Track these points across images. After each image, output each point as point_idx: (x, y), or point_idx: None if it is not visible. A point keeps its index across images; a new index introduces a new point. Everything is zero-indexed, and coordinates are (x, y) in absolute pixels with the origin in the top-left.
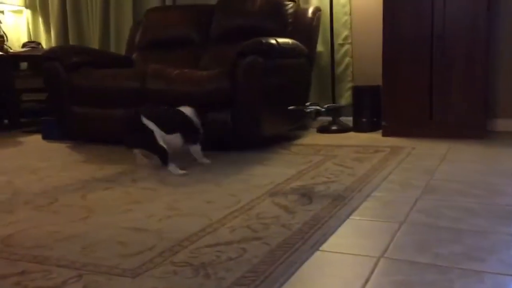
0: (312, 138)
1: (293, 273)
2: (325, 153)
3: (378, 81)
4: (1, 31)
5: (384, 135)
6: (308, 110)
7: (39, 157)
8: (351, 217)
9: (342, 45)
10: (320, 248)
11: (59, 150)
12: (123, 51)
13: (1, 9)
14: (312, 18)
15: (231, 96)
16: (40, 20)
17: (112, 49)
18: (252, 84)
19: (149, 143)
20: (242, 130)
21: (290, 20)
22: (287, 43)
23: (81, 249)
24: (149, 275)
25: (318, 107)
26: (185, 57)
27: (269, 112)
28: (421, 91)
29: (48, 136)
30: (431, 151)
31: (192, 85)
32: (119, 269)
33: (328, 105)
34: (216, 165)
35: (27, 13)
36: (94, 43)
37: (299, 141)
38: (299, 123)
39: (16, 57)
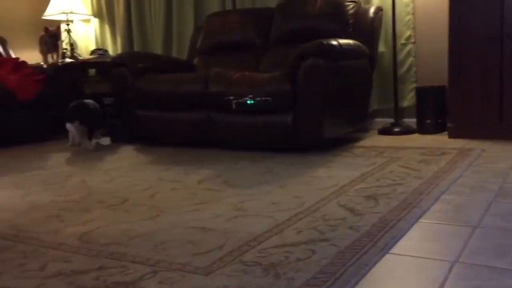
0: (374, 140)
1: (363, 276)
2: (389, 155)
3: (443, 81)
4: (72, 39)
5: (450, 136)
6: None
7: (108, 158)
8: (420, 220)
9: (404, 45)
10: (390, 251)
11: (126, 152)
12: (184, 56)
13: (71, 19)
14: (373, 18)
15: (292, 98)
16: (107, 28)
17: (174, 54)
18: (313, 86)
19: None
20: (303, 132)
21: (351, 21)
22: (349, 44)
23: (154, 247)
24: (221, 273)
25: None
26: (245, 61)
27: (330, 114)
28: (490, 92)
29: (115, 138)
30: (502, 153)
31: (252, 87)
32: (191, 266)
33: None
34: (279, 167)
35: (95, 22)
36: (157, 49)
37: (360, 143)
38: (360, 125)
39: (85, 64)
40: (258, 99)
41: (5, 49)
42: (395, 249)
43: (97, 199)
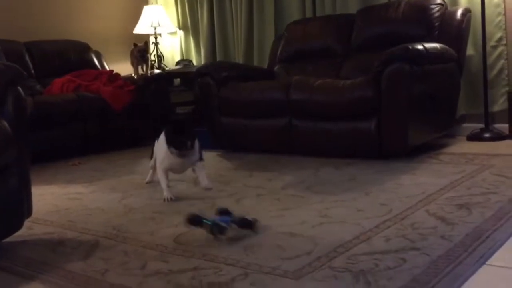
0: (462, 146)
1: (460, 286)
2: (480, 162)
3: None
4: (159, 51)
5: None
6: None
7: None
8: None
9: (495, 47)
10: (487, 262)
11: (211, 159)
12: (265, 65)
13: (159, 32)
14: (461, 20)
15: (376, 105)
16: (191, 40)
17: (255, 63)
18: (397, 92)
19: None
20: (387, 139)
21: (437, 24)
22: (435, 48)
23: (244, 250)
24: (311, 278)
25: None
26: (326, 68)
27: (416, 120)
28: None
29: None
30: None
31: (334, 94)
32: (281, 270)
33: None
34: (362, 174)
35: (181, 34)
36: (239, 58)
37: (447, 150)
38: (447, 131)
39: (171, 74)
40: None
41: (100, 61)
42: (492, 261)
43: (187, 203)
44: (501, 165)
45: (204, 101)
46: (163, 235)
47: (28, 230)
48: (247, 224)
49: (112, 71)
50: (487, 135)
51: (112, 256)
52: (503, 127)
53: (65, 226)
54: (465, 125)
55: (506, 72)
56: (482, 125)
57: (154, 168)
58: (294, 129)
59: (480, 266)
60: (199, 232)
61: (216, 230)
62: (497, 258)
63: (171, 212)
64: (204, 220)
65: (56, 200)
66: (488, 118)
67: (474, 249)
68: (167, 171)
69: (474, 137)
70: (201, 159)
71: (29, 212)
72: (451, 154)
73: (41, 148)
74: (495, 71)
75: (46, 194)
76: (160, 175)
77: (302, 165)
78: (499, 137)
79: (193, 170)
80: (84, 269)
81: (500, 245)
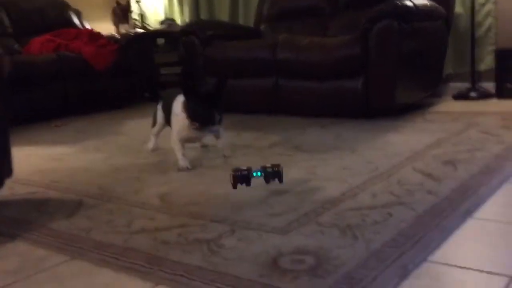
0: (448, 105)
1: (445, 239)
2: (466, 121)
3: None
4: (141, 10)
5: None
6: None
7: None
8: (503, 185)
9: (483, 5)
10: (473, 216)
11: None
12: (251, 23)
13: None
14: None
15: (363, 63)
16: None
17: (241, 21)
18: (385, 50)
19: None
20: (374, 97)
21: None
22: (424, 5)
23: (230, 207)
24: (298, 233)
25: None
26: (313, 26)
27: (403, 79)
28: None
29: None
30: None
31: (322, 53)
32: (268, 226)
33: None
34: (349, 133)
35: None
36: (224, 17)
37: (434, 109)
38: (434, 90)
39: (155, 34)
40: (268, 170)
41: (80, 20)
42: (477, 214)
43: (173, 162)
44: (486, 123)
45: (189, 61)
46: (149, 194)
47: (10, 190)
48: (275, 175)
49: (93, 30)
50: (473, 94)
51: (97, 214)
52: (490, 86)
53: (48, 186)
54: (451, 84)
55: (493, 30)
56: (468, 84)
57: (157, 135)
58: (281, 89)
59: (465, 220)
60: (185, 190)
61: (270, 176)
62: (482, 211)
63: (157, 172)
64: (254, 173)
65: (39, 161)
66: (475, 77)
67: (460, 204)
68: (184, 141)
69: (461, 96)
70: (221, 124)
71: (9, 172)
72: (437, 113)
73: (21, 109)
74: (483, 29)
75: (28, 155)
76: (175, 145)
77: (289, 125)
78: (485, 96)
79: (216, 137)
80: (69, 227)
81: (485, 200)
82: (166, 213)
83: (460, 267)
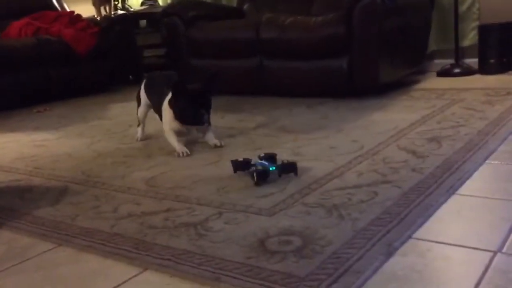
0: (432, 82)
1: (430, 216)
2: (450, 97)
3: (509, 17)
4: None
5: None
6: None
7: None
8: (487, 161)
9: None
10: (457, 192)
11: None
12: (234, 3)
13: None
14: None
15: (347, 42)
16: None
17: (223, 1)
18: (369, 28)
19: None
20: (359, 76)
21: None
22: None
23: (217, 190)
24: (284, 214)
25: None
26: (296, 5)
27: (387, 57)
28: None
29: None
30: None
31: (306, 32)
32: (255, 207)
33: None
34: (334, 113)
35: None
36: None
37: (418, 86)
38: (418, 67)
39: (136, 15)
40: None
41: (59, 2)
42: (462, 190)
43: (158, 147)
44: (470, 99)
45: (171, 43)
46: (135, 178)
47: None
48: (290, 168)
49: (73, 12)
50: (457, 70)
51: (82, 201)
52: (473, 62)
53: (32, 173)
54: (435, 61)
55: (477, 5)
56: (452, 61)
57: (144, 119)
58: (265, 69)
59: (450, 196)
60: (171, 174)
61: (259, 175)
62: (466, 187)
63: (142, 156)
64: (253, 164)
65: (22, 147)
66: (458, 54)
67: (444, 180)
68: (174, 131)
69: (444, 72)
70: (209, 123)
71: None
72: (421, 90)
73: (2, 95)
74: (466, 5)
75: (11, 142)
76: (168, 134)
77: (274, 105)
78: (468, 72)
79: (201, 133)
80: (54, 214)
81: (469, 176)
82: (152, 198)
83: (445, 243)
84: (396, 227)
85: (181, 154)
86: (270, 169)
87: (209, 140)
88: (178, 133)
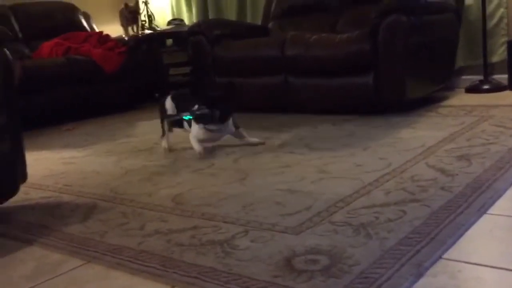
0: (460, 98)
1: (461, 236)
2: (479, 114)
3: None
4: (149, 11)
5: None
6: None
7: None
8: None
9: None
10: (488, 212)
11: None
12: (259, 22)
13: None
14: None
15: (372, 59)
16: None
17: (249, 20)
18: (395, 44)
19: None
20: (385, 93)
21: None
22: None
23: (242, 208)
24: (311, 233)
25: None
26: (321, 23)
27: (414, 73)
28: None
29: None
30: None
31: (331, 49)
32: (281, 226)
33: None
34: (360, 130)
35: None
36: (232, 16)
37: (446, 102)
38: (445, 84)
39: (163, 34)
40: (198, 112)
41: (88, 23)
42: (493, 210)
43: (184, 164)
44: (500, 115)
45: (197, 61)
46: (161, 195)
47: (24, 195)
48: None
49: (102, 32)
50: (486, 86)
51: (110, 217)
52: (502, 78)
53: (61, 190)
54: (463, 77)
55: (505, 21)
56: (481, 77)
57: (168, 130)
58: (290, 86)
59: (481, 216)
60: (197, 192)
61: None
62: (498, 207)
63: (169, 173)
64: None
65: (51, 165)
66: (487, 69)
67: (475, 199)
68: (201, 141)
69: (473, 89)
70: (237, 127)
71: (24, 177)
72: (449, 107)
73: (32, 113)
74: (494, 21)
75: (40, 160)
76: (194, 142)
77: (299, 123)
78: (498, 88)
79: (238, 138)
80: (83, 231)
81: (501, 195)
82: (179, 215)
83: (477, 264)
84: (425, 247)
85: (199, 155)
86: (184, 117)
87: (248, 140)
88: (208, 141)
